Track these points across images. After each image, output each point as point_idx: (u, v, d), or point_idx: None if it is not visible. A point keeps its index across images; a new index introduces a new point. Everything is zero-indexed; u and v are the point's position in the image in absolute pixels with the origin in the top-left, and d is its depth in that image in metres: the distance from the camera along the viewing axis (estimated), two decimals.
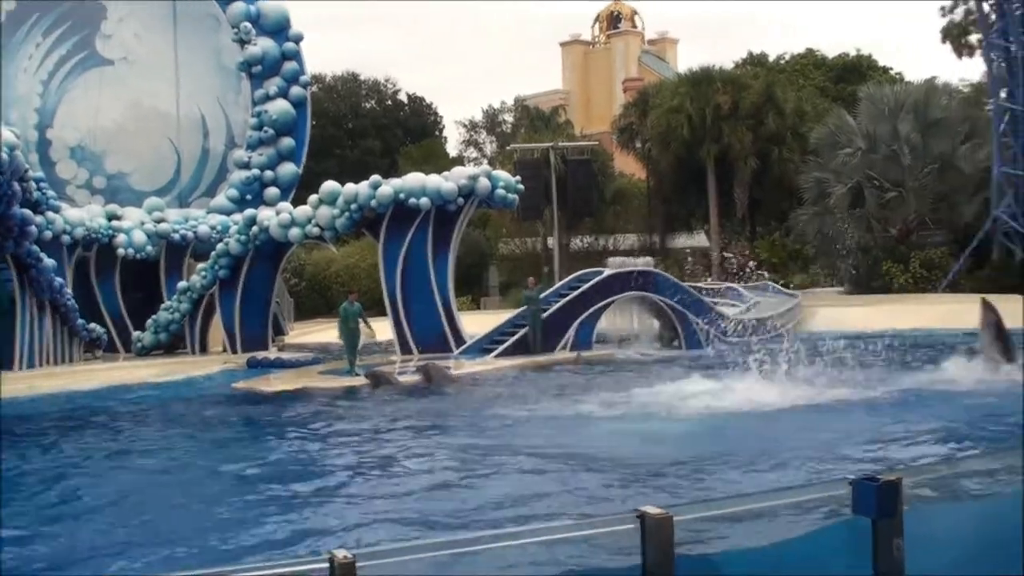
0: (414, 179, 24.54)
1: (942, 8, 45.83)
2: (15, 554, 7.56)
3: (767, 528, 6.18)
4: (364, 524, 8.13)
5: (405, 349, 24.25)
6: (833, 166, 38.36)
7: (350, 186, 24.51)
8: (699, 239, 52.62)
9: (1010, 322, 26.80)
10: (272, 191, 29.99)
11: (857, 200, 37.54)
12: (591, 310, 24.07)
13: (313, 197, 25.04)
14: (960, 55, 45.91)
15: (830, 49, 63.99)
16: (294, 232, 24.97)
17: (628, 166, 55.59)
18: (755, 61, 58.17)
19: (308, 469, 10.94)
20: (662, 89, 49.85)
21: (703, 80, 45.95)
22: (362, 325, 21.69)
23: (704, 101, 44.59)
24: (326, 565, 4.40)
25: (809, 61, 58.41)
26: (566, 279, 27.61)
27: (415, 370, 20.51)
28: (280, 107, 30.57)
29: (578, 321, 23.85)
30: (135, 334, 27.21)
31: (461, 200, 24.35)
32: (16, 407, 17.87)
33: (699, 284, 32.00)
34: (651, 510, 4.76)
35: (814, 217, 39.17)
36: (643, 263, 26.40)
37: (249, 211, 26.56)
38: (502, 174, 25.98)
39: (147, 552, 7.66)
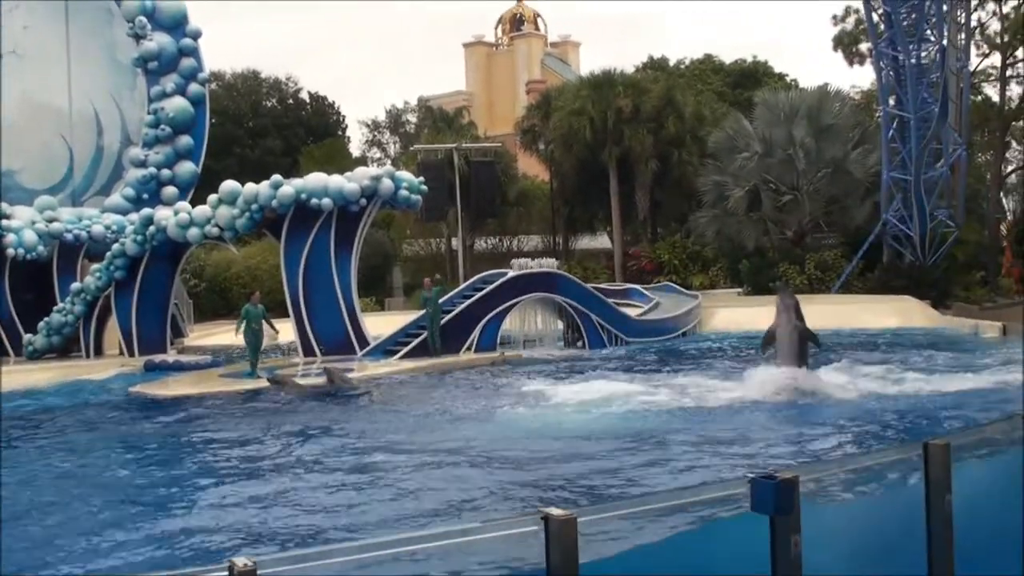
0: (316, 179, 24.29)
1: (834, 16, 47.23)
2: None
3: (666, 528, 6.32)
4: (258, 531, 8.02)
5: (308, 351, 23.97)
6: (731, 169, 39.13)
7: (250, 186, 24.13)
8: (602, 240, 53.21)
9: (899, 320, 27.88)
10: (170, 190, 29.37)
11: (754, 203, 38.36)
12: (496, 311, 24.13)
13: (212, 197, 24.57)
14: (851, 63, 47.33)
15: (728, 55, 65.36)
16: (193, 232, 24.47)
17: (531, 168, 55.90)
18: (655, 65, 59.03)
19: (203, 475, 10.75)
20: (564, 91, 50.27)
21: (605, 83, 46.46)
22: (265, 326, 21.41)
23: (606, 104, 45.11)
24: (225, 573, 4.36)
25: (708, 66, 59.51)
26: (470, 280, 27.66)
27: (318, 372, 20.32)
28: (178, 104, 29.96)
29: (483, 322, 23.89)
30: (26, 337, 26.32)
31: (364, 201, 24.18)
32: None
33: (601, 285, 32.38)
34: (555, 512, 4.80)
35: (713, 219, 39.91)
36: (547, 264, 26.57)
37: (146, 210, 25.95)
38: (405, 175, 25.89)
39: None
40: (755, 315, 29.27)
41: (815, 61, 74.47)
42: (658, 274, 43.02)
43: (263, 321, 21.35)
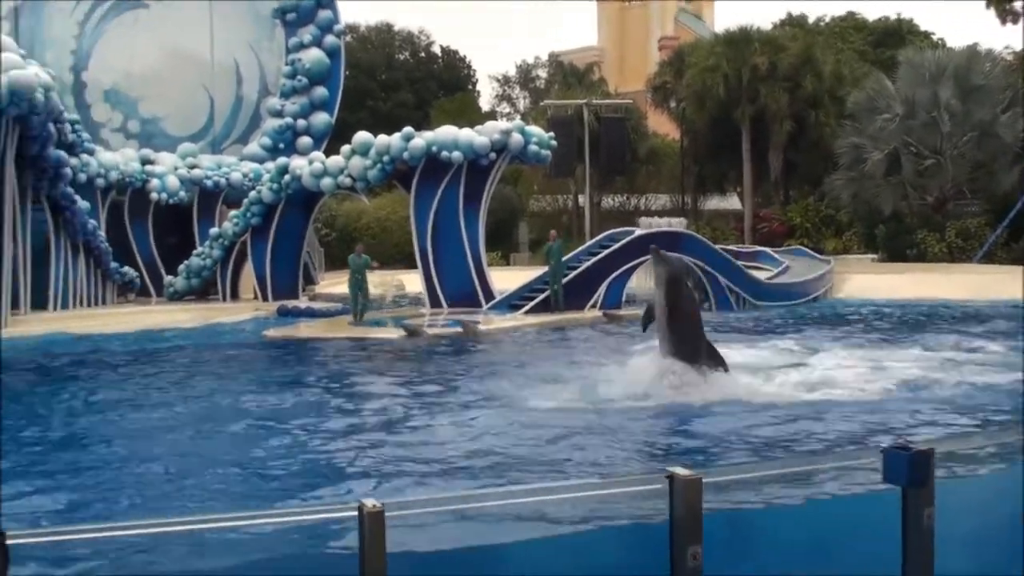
0: (447, 132, 24.43)
1: None
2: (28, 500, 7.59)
3: (797, 492, 6.20)
4: (389, 474, 8.14)
5: (435, 303, 24.28)
6: (870, 131, 37.84)
7: (383, 138, 24.44)
8: (731, 201, 52.24)
9: None
10: (305, 140, 30.03)
11: (893, 167, 37.06)
12: (621, 270, 23.94)
13: (346, 147, 24.99)
14: (1004, 21, 44.96)
15: (871, 12, 62.96)
16: (326, 182, 24.96)
17: (662, 126, 55.12)
18: (794, 22, 57.28)
19: (334, 417, 10.95)
20: (698, 48, 49.28)
21: (740, 40, 45.36)
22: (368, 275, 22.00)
23: (741, 62, 44.06)
24: (355, 513, 4.45)
25: (849, 24, 57.45)
26: (596, 237, 27.49)
27: (445, 323, 20.59)
28: (314, 56, 30.54)
29: (608, 280, 23.75)
30: (167, 279, 27.43)
31: (493, 155, 24.23)
32: (46, 347, 18.08)
33: (730, 247, 31.83)
34: (680, 471, 4.76)
35: (849, 182, 38.72)
36: (675, 224, 26.20)
37: (282, 159, 26.59)
38: (535, 130, 25.82)
39: (167, 497, 7.69)
40: (890, 282, 28.48)
41: (964, 19, 71.15)
42: (789, 237, 42.07)
43: (367, 271, 21.95)
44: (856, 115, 39.52)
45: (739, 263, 26.49)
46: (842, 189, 39.24)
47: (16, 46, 22.97)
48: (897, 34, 55.24)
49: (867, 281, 29.45)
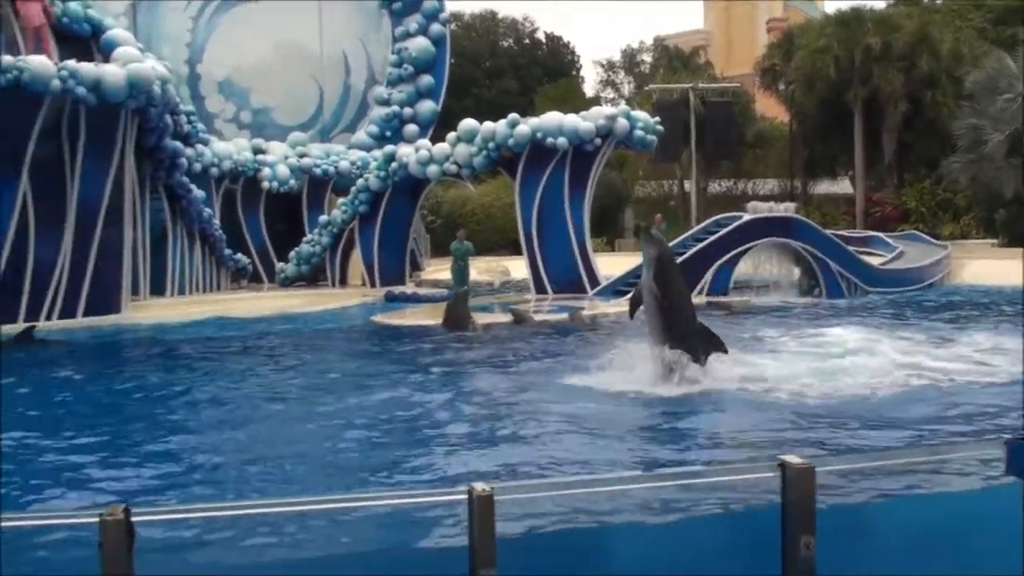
0: (552, 118, 24.40)
1: None
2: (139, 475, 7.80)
3: (913, 483, 6.02)
4: (498, 459, 8.15)
5: (540, 289, 24.33)
6: (991, 112, 36.42)
7: (488, 124, 24.55)
8: (842, 185, 51.01)
9: None
10: (411, 128, 30.34)
11: (1015, 148, 35.63)
12: (728, 255, 23.62)
13: (451, 135, 25.20)
14: None
15: None
16: (432, 169, 25.20)
17: (770, 109, 54.12)
18: (908, 1, 55.54)
19: (443, 404, 11.01)
20: (808, 29, 48.16)
21: (852, 20, 44.17)
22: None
23: (853, 42, 42.90)
24: (464, 497, 4.47)
25: (968, 1, 55.42)
26: (703, 223, 27.16)
27: (550, 309, 20.62)
28: (420, 44, 30.81)
29: (715, 266, 23.46)
30: (278, 265, 28.08)
31: (599, 140, 24.14)
32: (166, 332, 18.67)
33: (841, 232, 31.08)
34: (793, 459, 4.66)
35: (968, 165, 37.38)
36: (785, 208, 25.69)
37: (389, 147, 26.93)
38: (641, 115, 25.61)
39: (270, 478, 7.81)
40: (1011, 268, 27.39)
41: None
42: (903, 222, 40.84)
43: (468, 257, 22.11)
44: (975, 95, 38.07)
45: (850, 248, 25.87)
46: (960, 172, 37.88)
47: (134, 41, 23.77)
48: (1019, 11, 53.02)
49: (986, 267, 28.42)
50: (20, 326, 17.98)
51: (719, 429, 9.28)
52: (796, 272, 25.32)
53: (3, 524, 5.09)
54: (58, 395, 11.69)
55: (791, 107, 48.58)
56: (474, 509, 4.51)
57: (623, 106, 27.83)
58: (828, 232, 26.25)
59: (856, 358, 12.68)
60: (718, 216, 26.61)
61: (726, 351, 11.16)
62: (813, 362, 12.61)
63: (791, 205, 27.33)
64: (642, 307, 11.54)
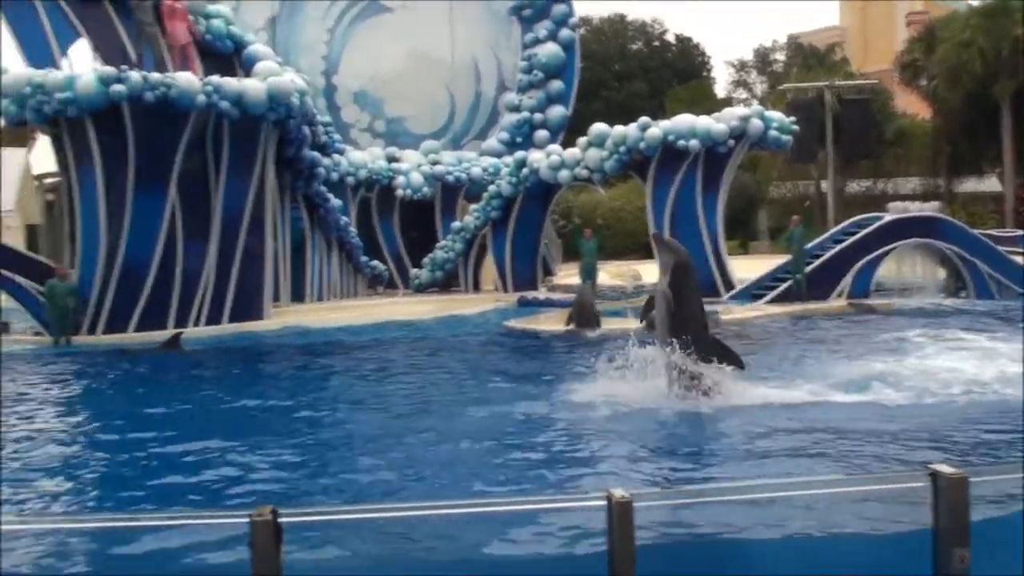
0: (683, 121, 24.14)
1: None
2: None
3: None
4: (633, 461, 8.05)
5: None
6: None
7: (619, 128, 24.44)
8: (990, 183, 48.93)
9: None
10: (542, 133, 30.46)
11: None
12: (869, 257, 22.93)
13: (582, 139, 25.19)
14: None
15: None
16: (563, 174, 25.24)
17: (911, 105, 52.35)
18: None
19: (578, 408, 10.92)
20: (952, 22, 46.36)
21: (999, 11, 42.36)
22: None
23: (1000, 34, 41.17)
24: (604, 503, 4.44)
25: None
26: (842, 224, 26.45)
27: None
28: (550, 50, 30.92)
29: (855, 268, 22.80)
30: (412, 271, 28.54)
31: (732, 142, 23.77)
32: (305, 337, 19.14)
33: (990, 231, 29.82)
34: (944, 469, 4.49)
35: None
36: (929, 208, 24.79)
37: (520, 153, 27.10)
38: (775, 114, 25.11)
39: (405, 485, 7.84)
40: None
41: None
42: None
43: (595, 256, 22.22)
44: None
45: (1000, 248, 24.79)
46: None
47: (273, 54, 24.54)
48: None
49: None
50: (168, 332, 18.72)
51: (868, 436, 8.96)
52: (941, 273, 24.42)
53: (164, 522, 5.29)
54: (212, 397, 12.08)
55: (934, 103, 46.90)
56: (613, 515, 4.48)
57: (756, 106, 27.32)
58: (975, 232, 25.22)
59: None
60: (858, 217, 25.86)
61: (743, 366, 10.54)
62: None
63: (935, 204, 26.38)
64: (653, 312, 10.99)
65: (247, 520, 4.13)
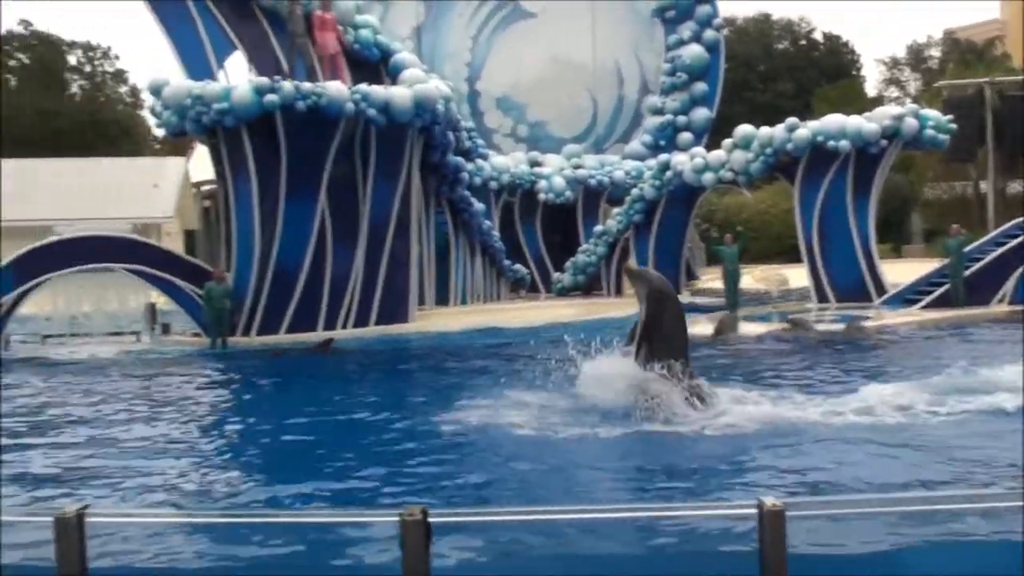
0: (833, 121, 23.47)
1: None
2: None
3: None
4: (786, 472, 7.85)
5: (822, 297, 23.45)
6: None
7: (765, 129, 23.95)
8: None
9: None
10: (685, 136, 30.13)
11: None
12: None
13: (727, 141, 24.80)
14: None
15: None
16: (707, 177, 24.90)
17: None
18: None
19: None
20: None
21: None
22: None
23: None
24: (755, 511, 4.35)
25: None
26: (1003, 227, 25.23)
27: (832, 319, 19.84)
28: (693, 52, 30.57)
29: (1018, 273, 21.72)
30: (554, 275, 28.61)
31: (884, 142, 23.00)
32: (445, 340, 19.39)
33: None
34: None
35: None
36: None
37: (663, 156, 26.87)
38: (932, 113, 24.19)
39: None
40: None
41: None
42: None
43: (737, 262, 21.83)
44: None
45: None
46: None
47: (419, 62, 25.00)
48: None
49: None
50: (321, 335, 19.26)
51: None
52: None
53: (313, 519, 5.42)
54: (361, 398, 12.34)
55: None
56: (764, 524, 4.38)
57: (911, 105, 26.35)
58: None
59: None
60: (1021, 219, 24.64)
61: (705, 405, 9.88)
62: None
63: None
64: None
65: (398, 520, 4.18)
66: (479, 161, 27.85)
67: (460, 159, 25.31)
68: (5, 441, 9.88)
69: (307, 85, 19.63)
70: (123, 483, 7.83)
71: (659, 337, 10.08)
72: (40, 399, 13.01)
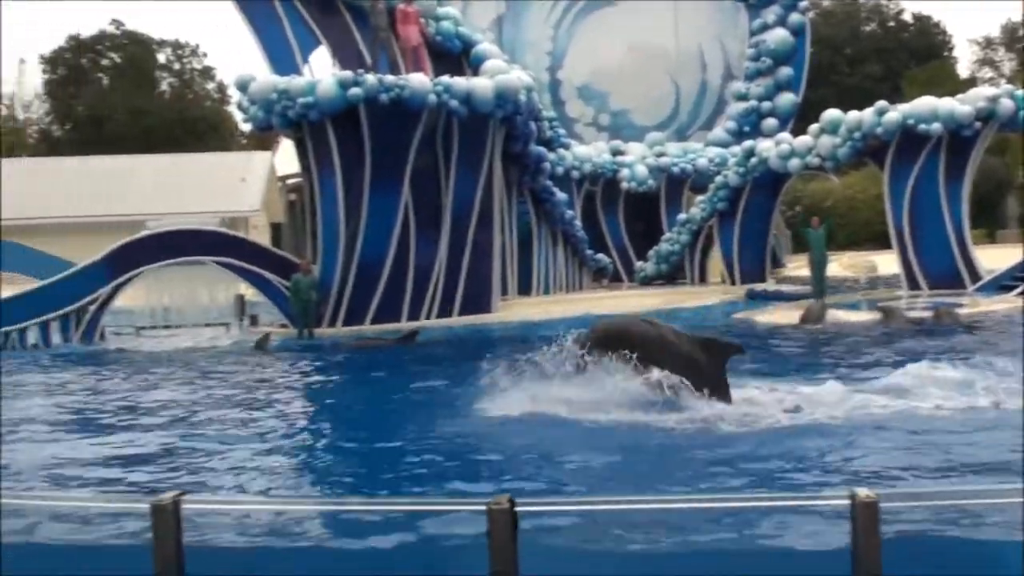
0: (924, 103, 22.88)
1: None
2: None
3: None
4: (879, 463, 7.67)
5: (912, 284, 22.92)
6: None
7: (853, 113, 23.46)
8: None
9: None
10: (770, 122, 29.68)
11: None
12: None
13: (813, 126, 24.35)
14: None
15: None
16: (793, 163, 24.49)
17: None
18: None
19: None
20: None
21: None
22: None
23: None
24: (847, 502, 4.29)
25: None
26: None
27: (924, 307, 19.38)
28: (778, 36, 30.07)
29: None
30: (637, 264, 28.45)
31: (978, 124, 22.34)
32: (529, 330, 19.38)
33: None
34: None
35: None
36: None
37: (748, 143, 26.51)
38: None
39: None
40: None
41: None
42: None
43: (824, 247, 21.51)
44: None
45: None
46: None
47: (500, 53, 25.02)
48: None
49: None
50: (405, 326, 19.44)
51: None
52: None
53: (401, 507, 5.47)
54: (445, 388, 12.39)
55: None
56: (857, 516, 4.32)
57: (1006, 86, 25.58)
58: None
59: None
60: None
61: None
62: None
63: None
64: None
65: (485, 509, 4.20)
66: (561, 151, 27.79)
67: (542, 149, 25.28)
68: (107, 422, 10.22)
69: (390, 78, 19.78)
70: (216, 470, 8.00)
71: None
72: (137, 387, 13.36)
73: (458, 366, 13.71)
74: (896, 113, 22.65)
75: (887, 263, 25.69)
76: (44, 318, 19.48)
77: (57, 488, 7.26)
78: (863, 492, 4.36)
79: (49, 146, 57.42)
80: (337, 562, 5.39)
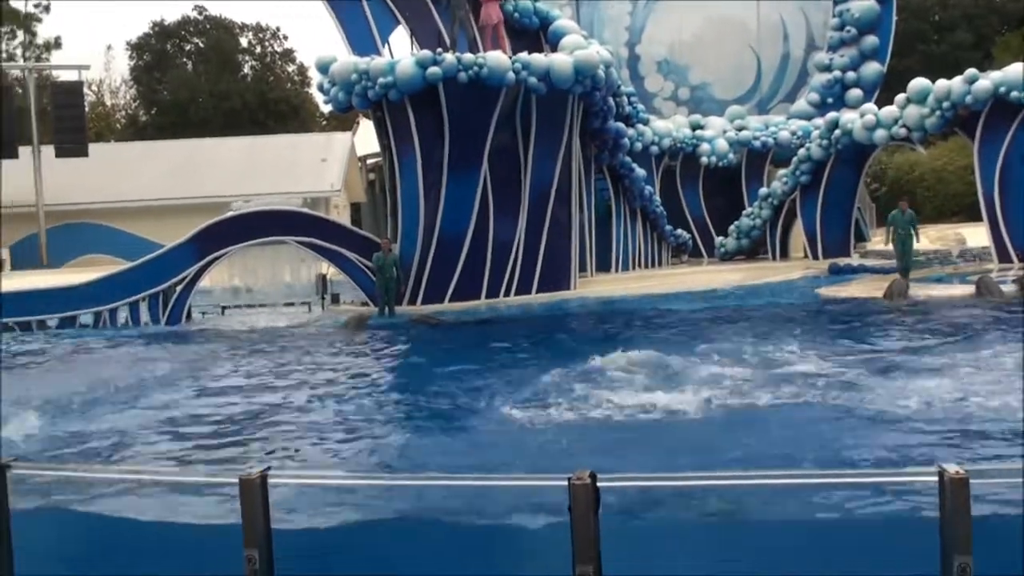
0: (1017, 71, 22.14)
1: None
2: None
3: None
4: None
5: (1003, 258, 22.30)
6: None
7: (942, 82, 22.82)
8: None
9: None
10: (854, 93, 29.08)
11: None
12: None
13: (900, 96, 23.75)
14: None
15: None
16: (879, 134, 23.93)
17: None
18: None
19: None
20: None
21: None
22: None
23: None
24: (935, 478, 4.19)
25: None
26: None
27: (1014, 279, 18.89)
28: (863, 4, 29.44)
29: None
30: (718, 239, 28.13)
31: None
32: (608, 307, 19.35)
33: None
34: None
35: None
36: None
37: (831, 114, 25.95)
38: None
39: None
40: None
41: None
42: None
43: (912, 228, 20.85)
44: None
45: None
46: None
47: (578, 29, 24.88)
48: None
49: None
50: (484, 303, 19.51)
51: None
52: None
53: (481, 483, 5.51)
54: (527, 364, 12.43)
55: None
56: (946, 492, 4.24)
57: None
58: None
59: None
60: None
61: None
62: None
63: None
64: None
65: (566, 484, 4.21)
66: (640, 126, 27.57)
67: (620, 125, 25.10)
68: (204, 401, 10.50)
69: (468, 56, 19.81)
70: (304, 445, 8.15)
71: None
72: (225, 365, 13.67)
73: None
74: (987, 81, 21.98)
75: (976, 236, 25.03)
76: (134, 297, 20.03)
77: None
78: (952, 468, 4.27)
79: (136, 131, 58.72)
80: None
